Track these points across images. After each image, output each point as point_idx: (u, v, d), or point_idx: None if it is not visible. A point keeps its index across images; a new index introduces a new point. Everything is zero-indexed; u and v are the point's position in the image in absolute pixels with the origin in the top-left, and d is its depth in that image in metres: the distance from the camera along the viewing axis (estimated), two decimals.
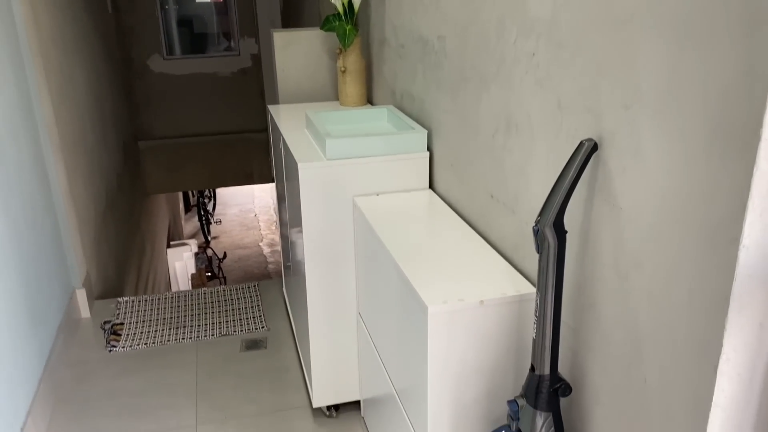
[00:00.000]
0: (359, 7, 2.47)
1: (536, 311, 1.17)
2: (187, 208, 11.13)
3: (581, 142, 1.09)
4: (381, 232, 1.67)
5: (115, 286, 3.65)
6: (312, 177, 1.87)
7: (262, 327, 2.73)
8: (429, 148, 1.95)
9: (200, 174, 5.80)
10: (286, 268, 2.73)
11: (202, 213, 10.15)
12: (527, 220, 1.38)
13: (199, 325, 2.75)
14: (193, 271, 7.46)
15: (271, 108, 2.55)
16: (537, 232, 1.12)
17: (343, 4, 2.44)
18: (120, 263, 3.93)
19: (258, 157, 5.86)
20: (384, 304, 1.67)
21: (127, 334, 2.69)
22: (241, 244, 10.66)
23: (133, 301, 2.95)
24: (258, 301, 2.95)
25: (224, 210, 11.85)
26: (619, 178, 1.04)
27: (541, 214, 1.11)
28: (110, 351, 2.59)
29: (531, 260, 1.38)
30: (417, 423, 1.46)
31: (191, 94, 5.58)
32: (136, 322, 2.79)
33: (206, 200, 10.53)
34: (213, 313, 2.85)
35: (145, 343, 2.63)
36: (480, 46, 1.52)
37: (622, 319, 1.08)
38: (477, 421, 1.40)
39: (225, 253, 8.99)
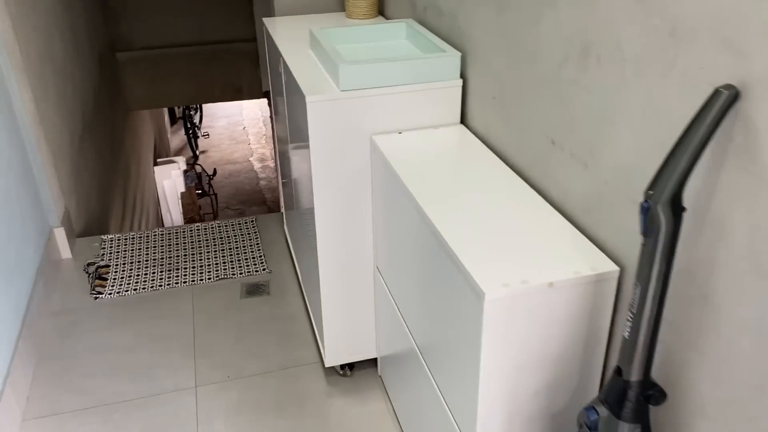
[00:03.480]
0: None
1: (632, 306, 0.91)
2: (173, 121, 10.67)
3: (717, 90, 0.79)
4: (409, 182, 1.38)
5: (99, 216, 3.37)
6: (323, 112, 1.56)
7: (264, 269, 2.48)
8: (462, 75, 1.63)
9: (185, 88, 5.39)
10: (287, 197, 2.46)
11: (189, 126, 9.73)
12: (607, 178, 1.09)
13: (193, 267, 2.50)
14: (183, 189, 7.15)
15: (267, 22, 2.18)
16: (646, 211, 0.84)
17: None
18: (103, 189, 3.63)
19: (247, 69, 5.43)
20: (411, 264, 1.41)
21: (114, 279, 2.44)
22: (231, 159, 10.32)
23: (118, 239, 2.68)
24: (257, 239, 2.69)
25: (211, 122, 11.42)
26: None
27: (653, 186, 0.83)
28: (96, 298, 2.34)
29: (608, 227, 1.11)
30: (447, 389, 1.24)
31: (172, 0, 5.08)
32: (123, 264, 2.53)
33: (192, 112, 10.07)
34: (208, 252, 2.59)
35: (135, 289, 2.38)
36: None
37: (753, 323, 0.82)
38: (535, 415, 1.18)
39: (215, 170, 8.67)
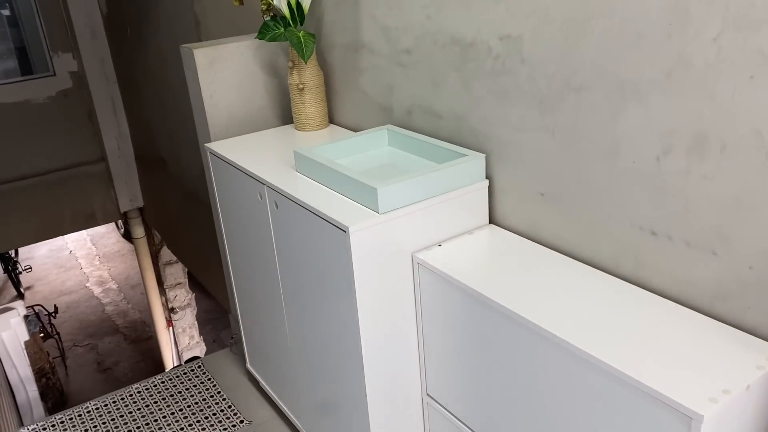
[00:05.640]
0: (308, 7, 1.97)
1: None
2: None
3: None
4: (501, 299, 1.26)
5: None
6: (365, 240, 1.40)
7: (241, 421, 2.16)
8: (487, 176, 1.57)
9: (28, 226, 4.73)
10: (250, 330, 2.19)
11: (7, 262, 8.58)
12: (752, 263, 1.07)
13: None
14: (27, 338, 6.19)
15: (212, 146, 1.97)
16: None
17: (289, 5, 1.93)
18: None
19: (99, 192, 4.92)
20: (525, 395, 1.28)
21: None
22: (64, 290, 9.24)
23: (44, 429, 2.19)
24: (215, 387, 2.35)
25: (30, 253, 10.17)
26: None
27: None
28: None
29: (759, 311, 1.09)
30: None
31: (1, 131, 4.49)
32: None
33: None
34: (165, 418, 2.20)
35: None
36: (615, 45, 1.17)
37: None
38: None
39: (56, 307, 7.68)
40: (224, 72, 2.09)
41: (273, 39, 1.95)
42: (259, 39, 1.95)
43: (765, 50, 0.97)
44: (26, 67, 4.75)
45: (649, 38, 1.12)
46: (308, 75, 1.98)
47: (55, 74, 4.61)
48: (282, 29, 1.94)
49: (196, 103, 2.13)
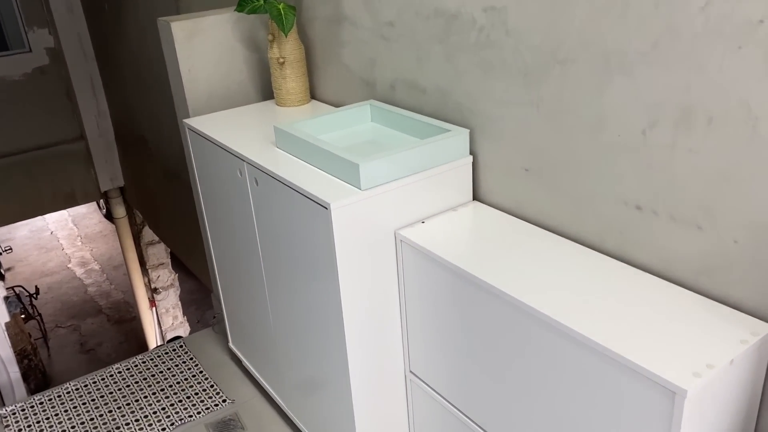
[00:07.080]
0: None
1: None
2: None
3: None
4: (483, 275, 1.25)
5: None
6: (346, 217, 1.37)
7: (224, 400, 2.14)
8: (471, 151, 1.54)
9: (8, 205, 4.64)
10: (232, 309, 2.17)
11: None
12: (737, 237, 1.06)
13: (137, 421, 2.08)
14: (7, 319, 6.11)
15: (190, 122, 1.92)
16: None
17: None
18: None
19: (78, 171, 4.84)
20: (506, 368, 1.27)
21: None
22: (46, 271, 9.14)
23: (23, 410, 2.16)
24: (197, 366, 2.32)
25: (10, 233, 10.03)
26: None
27: None
28: None
29: (744, 286, 1.08)
30: None
31: None
32: None
33: None
34: (146, 398, 2.18)
35: None
36: (601, 15, 1.14)
37: None
38: None
39: (37, 288, 7.59)
40: (203, 46, 2.03)
41: (252, 11, 1.89)
42: (238, 11, 1.90)
43: (753, 20, 0.94)
44: (1, 43, 4.63)
45: (635, 8, 1.09)
46: (289, 49, 1.93)
47: (30, 50, 4.49)
48: (261, 1, 1.89)
49: (174, 78, 2.07)
